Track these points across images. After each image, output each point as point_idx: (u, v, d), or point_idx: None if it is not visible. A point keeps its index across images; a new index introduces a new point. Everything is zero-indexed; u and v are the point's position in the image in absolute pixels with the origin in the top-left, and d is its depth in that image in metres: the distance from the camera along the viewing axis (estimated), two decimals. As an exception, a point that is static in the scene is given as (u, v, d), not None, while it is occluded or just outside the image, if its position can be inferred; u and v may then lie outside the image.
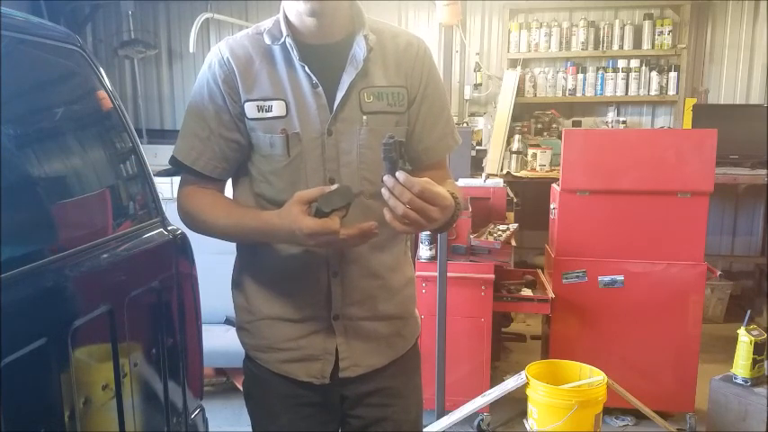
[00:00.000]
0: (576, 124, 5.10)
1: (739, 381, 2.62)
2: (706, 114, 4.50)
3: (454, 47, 4.57)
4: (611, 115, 5.04)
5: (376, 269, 1.30)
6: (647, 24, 4.88)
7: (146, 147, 2.13)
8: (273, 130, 1.23)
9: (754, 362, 2.58)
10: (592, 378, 2.65)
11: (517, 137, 4.68)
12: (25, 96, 1.34)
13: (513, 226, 3.21)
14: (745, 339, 2.59)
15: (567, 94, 5.04)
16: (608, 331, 3.04)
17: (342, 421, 1.40)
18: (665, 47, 4.87)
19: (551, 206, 3.25)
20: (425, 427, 2.76)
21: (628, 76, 4.92)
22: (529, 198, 4.68)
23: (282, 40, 1.22)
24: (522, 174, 4.56)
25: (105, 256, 1.40)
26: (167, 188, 3.57)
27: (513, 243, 3.26)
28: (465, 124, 4.92)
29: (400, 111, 1.28)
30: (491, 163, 4.46)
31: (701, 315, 3.00)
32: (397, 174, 1.05)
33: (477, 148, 4.67)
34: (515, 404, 3.00)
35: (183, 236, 1.70)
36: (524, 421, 2.75)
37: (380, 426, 1.36)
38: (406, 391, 1.40)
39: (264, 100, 1.23)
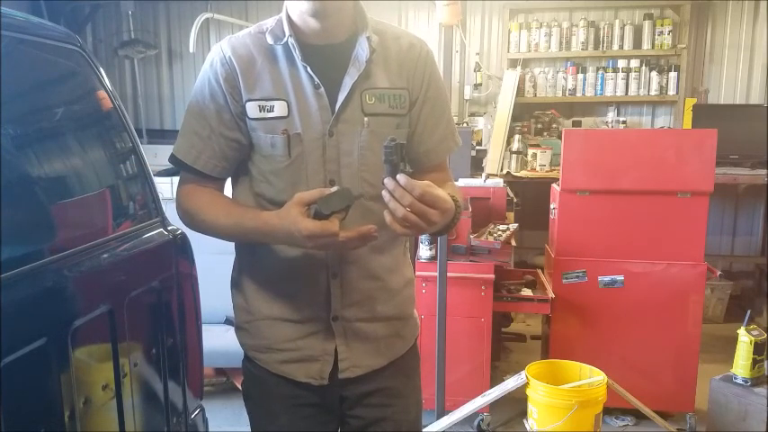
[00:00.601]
0: (576, 124, 5.10)
1: (739, 381, 2.62)
2: (706, 114, 4.50)
3: (454, 47, 4.56)
4: (611, 115, 5.04)
5: (375, 270, 1.30)
6: (647, 24, 4.88)
7: (146, 147, 2.13)
8: (275, 131, 1.22)
9: (754, 362, 2.58)
10: (592, 378, 2.65)
11: (517, 137, 4.68)
12: (25, 96, 1.34)
13: (513, 226, 3.21)
14: (745, 339, 2.59)
15: (567, 94, 5.04)
16: (608, 331, 3.04)
17: (341, 421, 1.40)
18: (665, 47, 4.87)
19: (551, 206, 3.25)
20: (425, 427, 2.77)
21: (628, 76, 4.92)
22: (529, 198, 4.68)
23: (285, 40, 1.22)
24: (522, 174, 4.55)
25: (105, 256, 1.40)
26: (167, 188, 3.57)
27: (513, 243, 3.26)
28: (465, 124, 4.92)
29: (401, 113, 1.28)
30: (491, 163, 4.46)
31: (700, 315, 3.00)
32: (398, 176, 1.05)
33: (477, 148, 4.67)
34: (515, 404, 3.00)
35: (183, 236, 1.70)
36: (524, 421, 2.75)
37: (380, 426, 1.36)
38: (405, 391, 1.40)
39: (266, 100, 1.23)
